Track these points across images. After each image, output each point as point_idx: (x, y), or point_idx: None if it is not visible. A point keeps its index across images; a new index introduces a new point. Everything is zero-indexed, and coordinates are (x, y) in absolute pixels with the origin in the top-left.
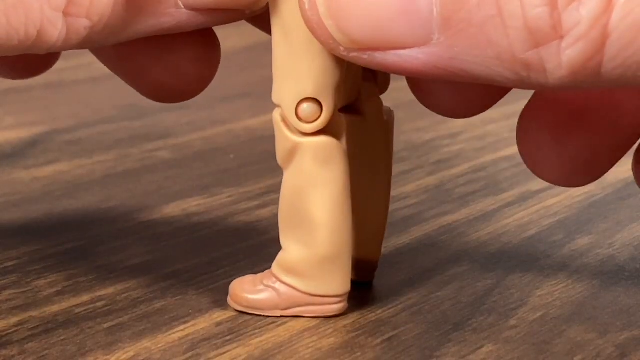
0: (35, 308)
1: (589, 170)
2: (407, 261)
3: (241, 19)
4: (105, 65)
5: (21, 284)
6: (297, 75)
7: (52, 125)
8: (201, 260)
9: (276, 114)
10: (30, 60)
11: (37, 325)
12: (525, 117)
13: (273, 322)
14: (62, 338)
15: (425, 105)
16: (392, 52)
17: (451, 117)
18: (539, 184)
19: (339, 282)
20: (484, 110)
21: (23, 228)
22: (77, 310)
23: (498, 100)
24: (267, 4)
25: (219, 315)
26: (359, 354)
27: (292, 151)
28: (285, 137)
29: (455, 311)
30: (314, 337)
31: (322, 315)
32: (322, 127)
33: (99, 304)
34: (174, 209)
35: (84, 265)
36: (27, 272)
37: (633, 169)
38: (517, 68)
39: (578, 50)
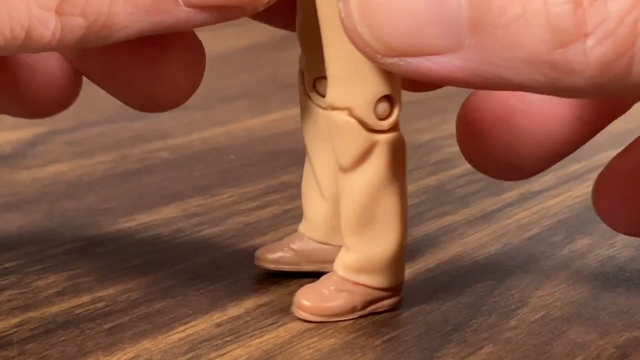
0: (35, 309)
1: None
2: (407, 261)
3: (243, 17)
4: (92, 80)
5: (21, 284)
6: (372, 76)
7: (52, 125)
8: (201, 260)
9: (342, 116)
10: (43, 101)
11: (37, 326)
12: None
13: (273, 323)
14: (62, 339)
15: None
16: (427, 58)
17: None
18: (539, 184)
19: (402, 270)
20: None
21: (23, 228)
22: (77, 311)
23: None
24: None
25: (219, 316)
26: (359, 354)
27: (369, 150)
28: (361, 138)
29: (455, 312)
30: (315, 338)
31: (392, 307)
32: (395, 122)
33: (99, 305)
34: (174, 209)
35: (84, 266)
36: (27, 272)
37: (594, 192)
38: (545, 70)
39: (606, 48)
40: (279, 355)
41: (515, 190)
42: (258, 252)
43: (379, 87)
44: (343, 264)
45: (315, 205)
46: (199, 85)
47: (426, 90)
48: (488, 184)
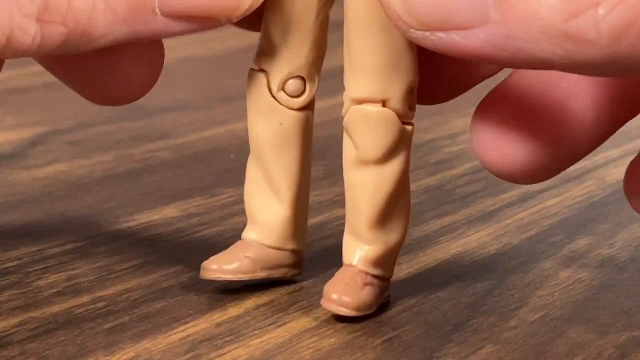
0: (35, 308)
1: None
2: (407, 261)
3: (219, 27)
4: (48, 70)
5: (21, 284)
6: (406, 67)
7: (52, 125)
8: (201, 260)
9: (377, 108)
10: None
11: (38, 326)
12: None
13: (273, 323)
14: (62, 339)
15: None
16: (456, 32)
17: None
18: (539, 184)
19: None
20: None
21: (23, 228)
22: (77, 311)
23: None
24: (245, 11)
25: (219, 316)
26: (359, 354)
27: (400, 141)
28: (397, 129)
29: (455, 312)
30: (314, 338)
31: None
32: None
33: (99, 305)
34: (174, 210)
35: (84, 266)
36: (27, 272)
37: (625, 179)
38: (561, 41)
39: (617, 16)
40: (278, 355)
41: (515, 190)
42: (205, 264)
43: (410, 78)
44: (363, 258)
45: (269, 209)
46: (156, 81)
47: (444, 101)
48: (488, 184)
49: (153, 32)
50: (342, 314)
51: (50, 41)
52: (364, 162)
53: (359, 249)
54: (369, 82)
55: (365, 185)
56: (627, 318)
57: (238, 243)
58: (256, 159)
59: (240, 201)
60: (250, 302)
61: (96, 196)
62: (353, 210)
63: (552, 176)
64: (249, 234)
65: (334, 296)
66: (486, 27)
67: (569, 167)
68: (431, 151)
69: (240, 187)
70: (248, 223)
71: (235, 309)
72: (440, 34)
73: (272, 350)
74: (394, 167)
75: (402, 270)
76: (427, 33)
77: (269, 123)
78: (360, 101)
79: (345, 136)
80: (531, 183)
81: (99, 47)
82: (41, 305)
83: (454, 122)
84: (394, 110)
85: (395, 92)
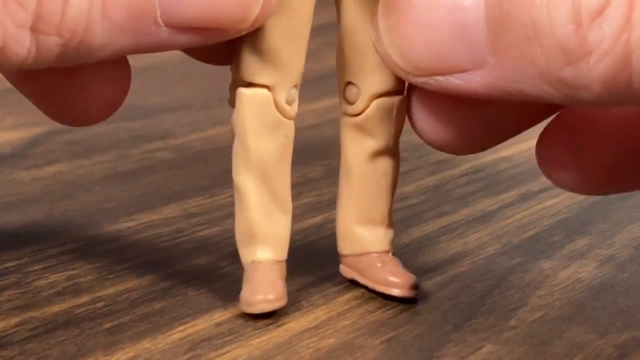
0: (35, 308)
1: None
2: (407, 261)
3: (226, 39)
4: (11, 83)
5: (21, 284)
6: None
7: (52, 125)
8: (201, 260)
9: (395, 99)
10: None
11: (38, 326)
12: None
13: (273, 323)
14: (62, 338)
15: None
16: (454, 76)
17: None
18: (539, 184)
19: None
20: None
21: (23, 228)
22: (77, 311)
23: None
24: (255, 22)
25: (219, 316)
26: (358, 354)
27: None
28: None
29: (455, 311)
30: (314, 338)
31: None
32: None
33: (99, 305)
34: (173, 210)
35: (83, 266)
36: (27, 272)
37: (536, 150)
38: (558, 86)
39: (606, 65)
40: (278, 355)
41: (515, 190)
42: (247, 298)
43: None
44: (391, 242)
45: (277, 225)
46: (122, 102)
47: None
48: (488, 184)
49: (157, 43)
50: (411, 296)
51: (47, 53)
52: (383, 152)
53: (385, 235)
54: (388, 75)
55: (386, 173)
56: (626, 318)
57: (260, 267)
58: (259, 177)
59: None
60: None
61: (96, 196)
62: (372, 200)
63: (481, 150)
64: (263, 254)
65: (406, 281)
66: (483, 71)
67: (498, 144)
68: (431, 151)
69: None
70: (258, 245)
71: (235, 309)
72: (439, 78)
73: (271, 350)
74: (398, 148)
75: None
76: (427, 78)
77: (274, 137)
78: (380, 95)
79: (355, 134)
80: (460, 154)
81: (104, 57)
82: (41, 305)
83: None
84: (403, 96)
85: (401, 80)
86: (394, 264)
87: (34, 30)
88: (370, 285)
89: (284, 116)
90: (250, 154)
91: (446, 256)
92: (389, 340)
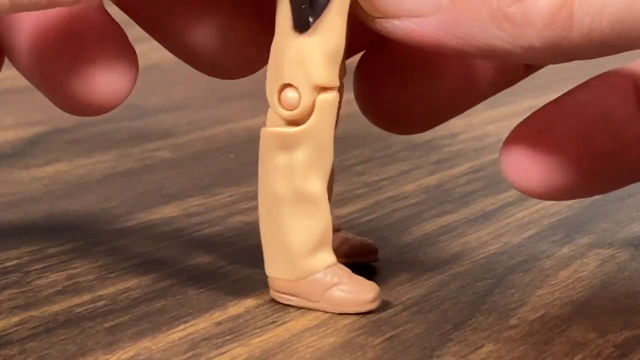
0: (35, 308)
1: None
2: (407, 261)
3: None
4: (22, 74)
5: (21, 283)
6: None
7: (52, 125)
8: (201, 260)
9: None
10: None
11: (38, 325)
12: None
13: (273, 322)
14: (62, 337)
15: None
16: (410, 20)
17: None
18: None
19: None
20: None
21: (23, 228)
22: (77, 310)
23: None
24: None
25: (219, 315)
26: (359, 353)
27: None
28: None
29: (455, 311)
30: (314, 337)
31: None
32: None
33: (99, 304)
34: (174, 209)
35: (84, 265)
36: (27, 271)
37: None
38: (506, 25)
39: (550, 1)
40: (279, 354)
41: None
42: (362, 298)
43: None
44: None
45: None
46: (129, 92)
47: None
48: (488, 184)
49: None
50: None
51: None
52: None
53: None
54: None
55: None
56: (627, 317)
57: (342, 269)
58: (326, 182)
59: (240, 200)
60: (250, 301)
61: (96, 196)
62: None
63: (433, 125)
64: (334, 258)
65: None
66: (438, 15)
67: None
68: (431, 151)
69: (240, 186)
70: (329, 249)
71: (235, 308)
72: (396, 22)
73: (272, 350)
74: None
75: (402, 269)
76: (383, 21)
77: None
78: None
79: None
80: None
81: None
82: (41, 304)
83: (454, 121)
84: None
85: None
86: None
87: None
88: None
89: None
90: (329, 159)
91: (446, 255)
92: (389, 339)
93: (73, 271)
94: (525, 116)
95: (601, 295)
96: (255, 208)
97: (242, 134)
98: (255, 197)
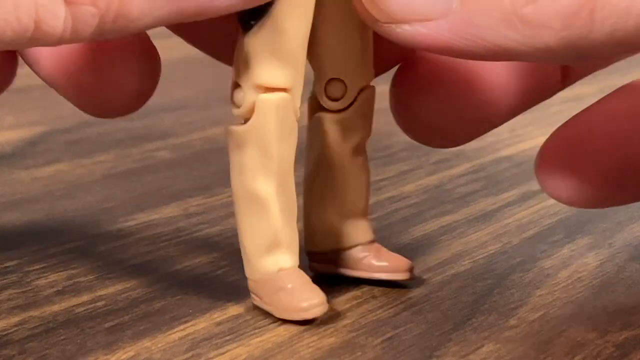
0: (35, 308)
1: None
2: None
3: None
4: (44, 80)
5: (21, 283)
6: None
7: (52, 125)
8: (201, 260)
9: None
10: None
11: (38, 325)
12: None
13: (273, 322)
14: (62, 338)
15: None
16: (421, 24)
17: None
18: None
19: None
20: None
21: (23, 228)
22: (77, 310)
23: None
24: None
25: (219, 315)
26: (359, 353)
27: None
28: None
29: (455, 311)
30: (314, 337)
31: None
32: None
33: (99, 304)
34: (174, 209)
35: (84, 265)
36: (27, 272)
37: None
38: (520, 27)
39: (569, 0)
40: (278, 354)
41: (515, 189)
42: (297, 306)
43: None
44: (374, 231)
45: (295, 229)
46: (152, 93)
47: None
48: (488, 184)
49: (198, 7)
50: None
51: (84, 25)
52: (361, 145)
53: (368, 226)
54: (370, 67)
55: (364, 166)
56: (627, 317)
57: (291, 274)
58: (280, 184)
59: None
60: (250, 301)
61: (96, 196)
62: (356, 194)
63: (472, 138)
64: (289, 261)
65: (408, 266)
66: (449, 18)
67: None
68: (431, 151)
69: None
70: (283, 252)
71: (235, 308)
72: (406, 27)
73: (272, 349)
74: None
75: None
76: (393, 26)
77: (292, 142)
78: (365, 87)
79: (337, 129)
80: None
81: (142, 28)
82: (41, 304)
83: None
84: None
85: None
86: (385, 250)
87: (67, 1)
88: (365, 275)
89: (296, 119)
90: (273, 161)
91: (446, 255)
92: (389, 339)
93: (73, 271)
94: (524, 117)
95: (601, 295)
96: None
97: None
98: None
